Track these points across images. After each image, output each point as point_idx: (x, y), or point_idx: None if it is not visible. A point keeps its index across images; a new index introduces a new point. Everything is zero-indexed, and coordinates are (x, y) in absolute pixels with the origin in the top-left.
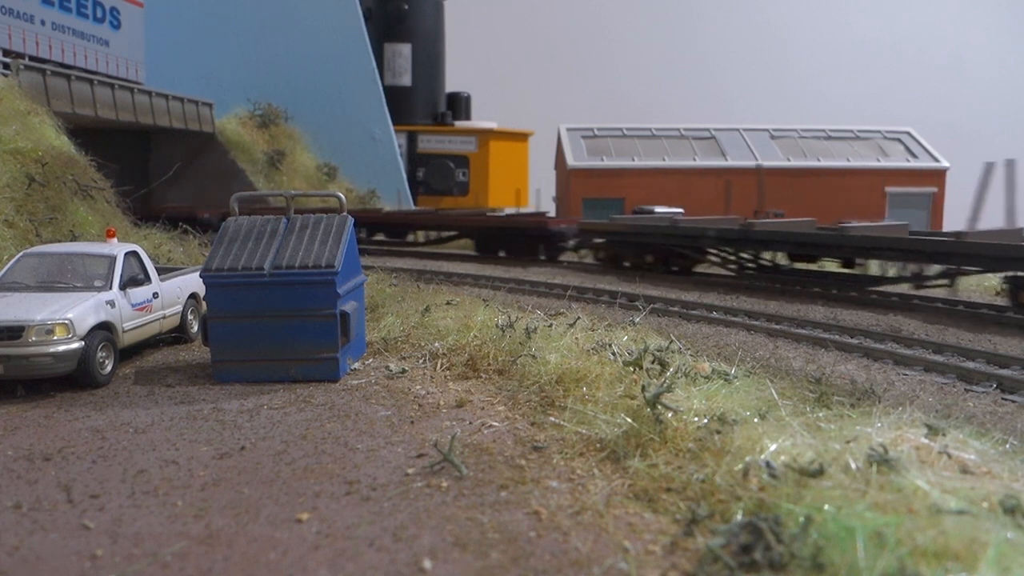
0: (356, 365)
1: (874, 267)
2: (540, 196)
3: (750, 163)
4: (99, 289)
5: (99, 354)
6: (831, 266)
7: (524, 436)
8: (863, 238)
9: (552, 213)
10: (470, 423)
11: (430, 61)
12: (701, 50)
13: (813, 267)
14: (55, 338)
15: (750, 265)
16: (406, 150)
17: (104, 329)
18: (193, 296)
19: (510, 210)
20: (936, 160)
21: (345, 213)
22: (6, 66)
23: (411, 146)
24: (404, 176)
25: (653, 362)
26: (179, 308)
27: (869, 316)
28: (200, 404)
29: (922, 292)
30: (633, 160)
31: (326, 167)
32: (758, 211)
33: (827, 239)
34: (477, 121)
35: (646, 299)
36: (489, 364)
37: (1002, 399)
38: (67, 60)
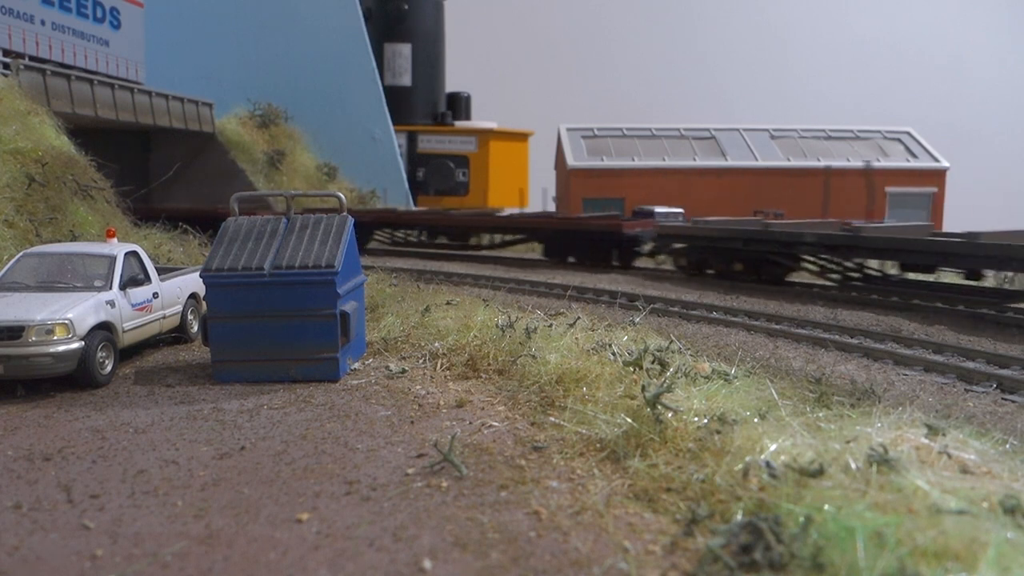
0: (356, 365)
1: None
2: (546, 196)
3: (750, 163)
4: (99, 289)
5: (99, 354)
6: (948, 277)
7: (524, 436)
8: (1002, 247)
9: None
10: (470, 423)
11: (430, 61)
12: (701, 50)
13: (929, 278)
14: (55, 338)
15: (854, 275)
16: (406, 150)
17: (104, 329)
18: (193, 296)
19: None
20: (936, 160)
21: (345, 213)
22: (6, 66)
23: (411, 146)
24: (404, 176)
25: (653, 362)
26: (179, 308)
27: (869, 316)
28: (200, 404)
29: (922, 292)
30: (633, 160)
31: (326, 167)
32: (757, 211)
33: (956, 247)
34: (477, 121)
35: (646, 299)
36: (489, 364)
37: (1002, 399)
38: (67, 60)
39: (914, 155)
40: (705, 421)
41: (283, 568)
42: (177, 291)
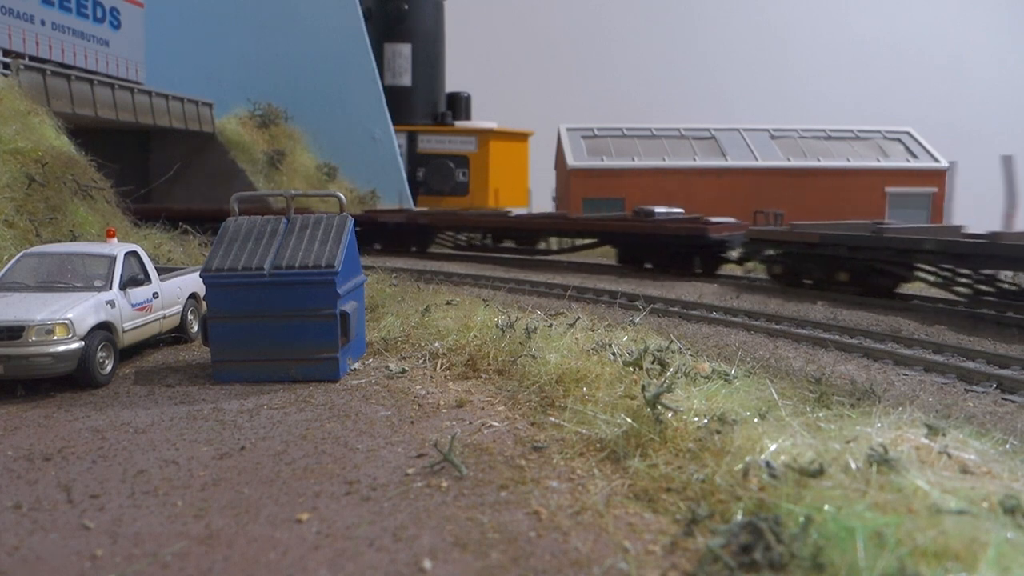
0: (356, 365)
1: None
2: (549, 195)
3: (750, 163)
4: (99, 289)
5: (99, 354)
6: None
7: (524, 436)
8: None
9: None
10: (470, 423)
11: (430, 61)
12: (701, 50)
13: None
14: (55, 338)
15: (985, 288)
16: (406, 150)
17: (104, 329)
18: (193, 296)
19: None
20: (936, 160)
21: (345, 213)
22: (6, 66)
23: (411, 146)
24: (404, 176)
25: (653, 362)
26: (179, 308)
27: (869, 316)
28: (200, 404)
29: (922, 292)
30: (633, 160)
31: (326, 167)
32: (757, 211)
33: None
34: (477, 121)
35: (646, 299)
36: (489, 364)
37: (1002, 399)
38: (67, 60)
39: (914, 155)
40: (705, 421)
41: (283, 568)
42: (177, 291)
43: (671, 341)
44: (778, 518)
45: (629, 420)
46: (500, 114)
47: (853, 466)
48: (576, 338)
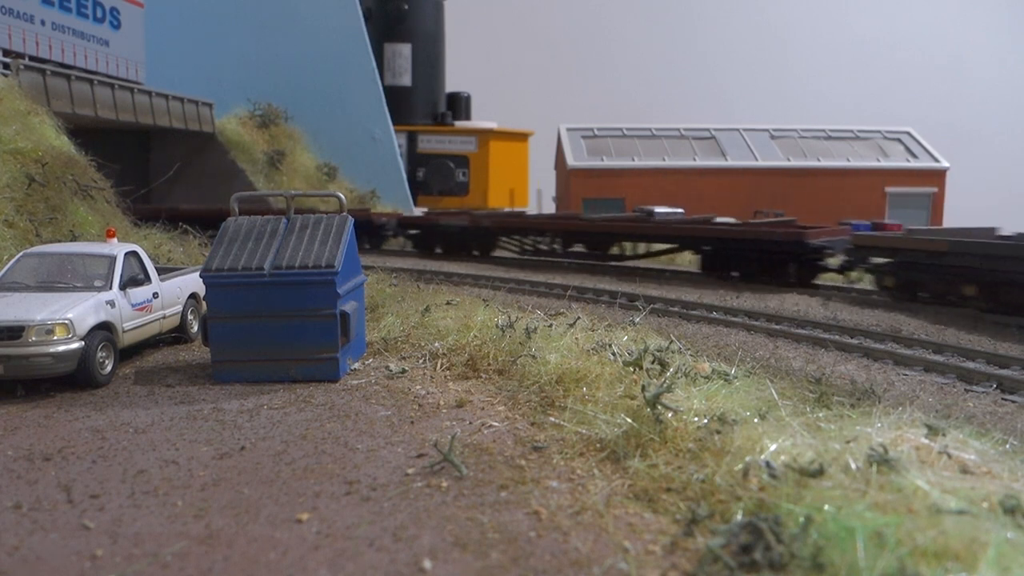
0: (356, 365)
1: None
2: (543, 196)
3: (750, 163)
4: (99, 289)
5: (99, 354)
6: None
7: (524, 436)
8: None
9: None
10: (470, 423)
11: (430, 61)
12: (701, 50)
13: None
14: (55, 338)
15: None
16: (406, 150)
17: (104, 329)
18: (193, 296)
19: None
20: (936, 160)
21: (345, 213)
22: (6, 66)
23: (411, 146)
24: (404, 176)
25: (653, 362)
26: (179, 308)
27: (869, 316)
28: (200, 404)
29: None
30: (633, 160)
31: (326, 167)
32: (757, 211)
33: None
34: (477, 121)
35: (646, 299)
36: (489, 364)
37: (1002, 399)
38: (67, 60)
39: (914, 155)
40: (705, 421)
41: (283, 568)
42: (177, 291)
43: (671, 341)
44: (778, 518)
45: (629, 420)
46: (500, 114)
47: (853, 466)
48: (576, 338)
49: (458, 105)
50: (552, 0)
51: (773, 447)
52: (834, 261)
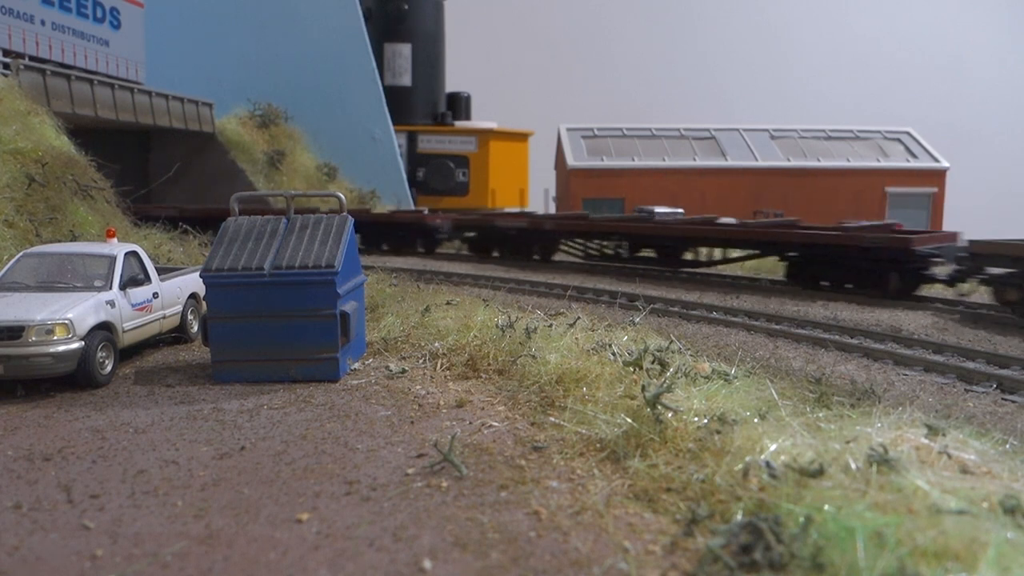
0: (356, 365)
1: None
2: (547, 196)
3: (750, 163)
4: (99, 289)
5: (99, 354)
6: None
7: (524, 436)
8: None
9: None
10: (470, 423)
11: (430, 61)
12: (701, 50)
13: None
14: (55, 338)
15: None
16: (406, 150)
17: (104, 329)
18: (193, 296)
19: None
20: (936, 160)
21: (345, 213)
22: (6, 66)
23: (411, 146)
24: (404, 176)
25: (653, 362)
26: (179, 308)
27: (869, 316)
28: (200, 404)
29: (922, 292)
30: (633, 160)
31: (326, 167)
32: (757, 211)
33: None
34: (477, 121)
35: (646, 299)
36: (489, 364)
37: (1002, 399)
38: (67, 60)
39: (914, 155)
40: (705, 421)
41: (283, 568)
42: (177, 291)
43: (671, 341)
44: (778, 518)
45: (629, 420)
46: (500, 114)
47: (853, 466)
48: (576, 338)
49: (458, 105)
50: (552, 0)
51: (773, 447)
52: (942, 271)
